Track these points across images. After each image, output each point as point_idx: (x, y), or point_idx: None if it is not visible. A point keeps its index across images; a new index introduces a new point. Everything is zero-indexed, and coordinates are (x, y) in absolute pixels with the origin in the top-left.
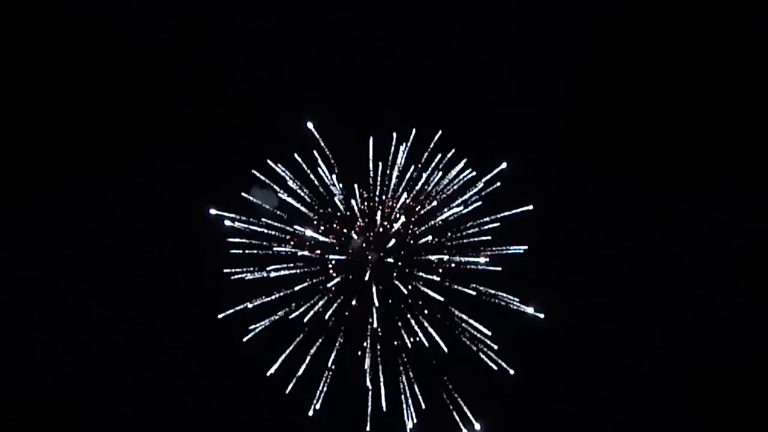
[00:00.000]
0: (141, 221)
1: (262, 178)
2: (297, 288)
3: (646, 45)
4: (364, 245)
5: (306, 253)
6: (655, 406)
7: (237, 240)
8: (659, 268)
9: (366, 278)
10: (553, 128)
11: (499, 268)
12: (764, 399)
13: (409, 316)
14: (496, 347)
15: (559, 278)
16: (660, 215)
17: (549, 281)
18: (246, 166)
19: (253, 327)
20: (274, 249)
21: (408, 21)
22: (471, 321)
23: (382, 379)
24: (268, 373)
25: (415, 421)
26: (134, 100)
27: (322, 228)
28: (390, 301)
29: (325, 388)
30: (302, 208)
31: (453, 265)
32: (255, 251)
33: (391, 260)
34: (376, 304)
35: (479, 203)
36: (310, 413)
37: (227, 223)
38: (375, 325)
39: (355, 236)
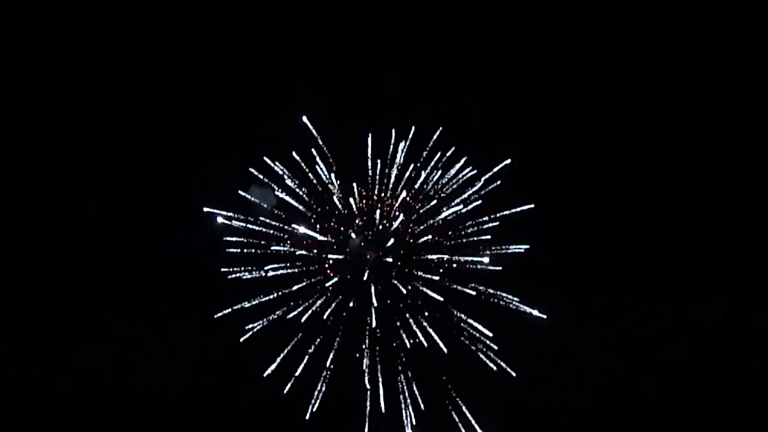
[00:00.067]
0: (137, 220)
1: (260, 176)
2: (295, 288)
3: (648, 43)
4: (362, 244)
5: (304, 252)
6: (656, 406)
7: (234, 239)
8: (660, 268)
9: (365, 278)
10: (553, 127)
11: (500, 268)
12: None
13: (408, 316)
14: (496, 348)
15: (560, 278)
16: (660, 215)
17: (550, 281)
18: (243, 165)
19: (250, 327)
20: (272, 248)
21: (408, 17)
22: (471, 321)
23: (380, 380)
24: (265, 374)
25: (414, 422)
26: (132, 99)
27: (319, 227)
28: (389, 300)
29: (323, 389)
30: (300, 207)
31: (455, 265)
32: (252, 250)
33: (390, 259)
34: (375, 304)
35: (479, 202)
36: (308, 414)
37: (220, 220)
38: (374, 325)
39: (353, 235)
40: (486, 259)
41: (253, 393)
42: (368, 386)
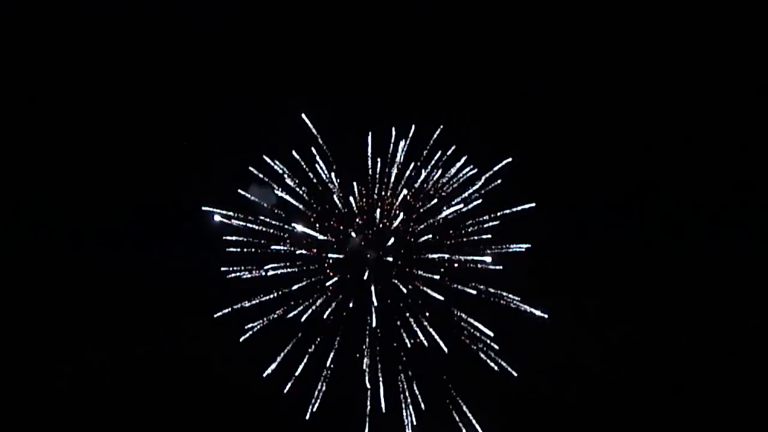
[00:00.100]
0: (135, 219)
1: (260, 175)
2: (294, 287)
3: (649, 42)
4: (362, 243)
5: (304, 251)
6: (657, 406)
7: (233, 238)
8: (662, 268)
9: (365, 277)
10: (554, 125)
11: (500, 267)
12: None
13: (408, 315)
14: (497, 347)
15: (561, 277)
16: (662, 215)
17: (551, 281)
18: (243, 163)
19: (249, 326)
20: (271, 247)
21: (408, 15)
22: (472, 321)
23: (381, 380)
24: (265, 374)
25: (414, 422)
26: (131, 98)
27: (319, 226)
28: (389, 300)
29: (323, 389)
30: (300, 206)
31: (456, 264)
32: (252, 249)
33: (390, 259)
34: (375, 304)
35: (480, 201)
36: (308, 414)
37: (218, 218)
38: (374, 324)
39: (353, 234)
40: (489, 259)
41: (253, 393)
42: (368, 386)
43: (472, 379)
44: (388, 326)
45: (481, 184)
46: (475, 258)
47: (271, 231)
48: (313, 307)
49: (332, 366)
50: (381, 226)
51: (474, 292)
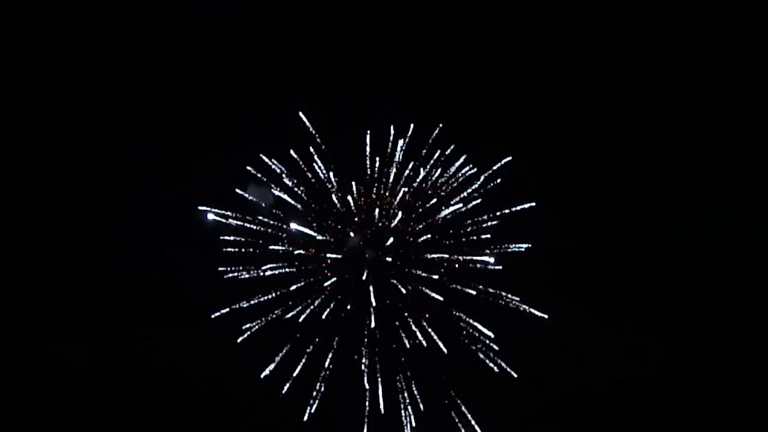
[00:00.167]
0: (134, 219)
1: (257, 174)
2: (293, 287)
3: (649, 43)
4: (361, 243)
5: (302, 251)
6: (657, 406)
7: (231, 238)
8: (662, 268)
9: (363, 277)
10: (554, 125)
11: (500, 267)
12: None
13: (407, 316)
14: (497, 348)
15: (560, 277)
16: (662, 214)
17: (551, 281)
18: (240, 163)
19: (247, 327)
20: (269, 247)
21: (407, 13)
22: (471, 321)
23: (380, 381)
24: (262, 375)
25: (413, 424)
26: (129, 98)
27: (317, 225)
28: (388, 300)
29: (321, 390)
30: (298, 205)
31: (456, 265)
32: (249, 249)
33: (389, 258)
34: (374, 304)
35: (479, 200)
36: (306, 416)
37: (211, 217)
38: (373, 325)
39: (352, 234)
40: (491, 259)
41: (251, 394)
42: (367, 387)
43: (472, 380)
44: (387, 327)
45: (481, 184)
46: (475, 258)
47: (269, 231)
48: (312, 308)
49: (331, 367)
50: (380, 225)
51: (474, 292)
